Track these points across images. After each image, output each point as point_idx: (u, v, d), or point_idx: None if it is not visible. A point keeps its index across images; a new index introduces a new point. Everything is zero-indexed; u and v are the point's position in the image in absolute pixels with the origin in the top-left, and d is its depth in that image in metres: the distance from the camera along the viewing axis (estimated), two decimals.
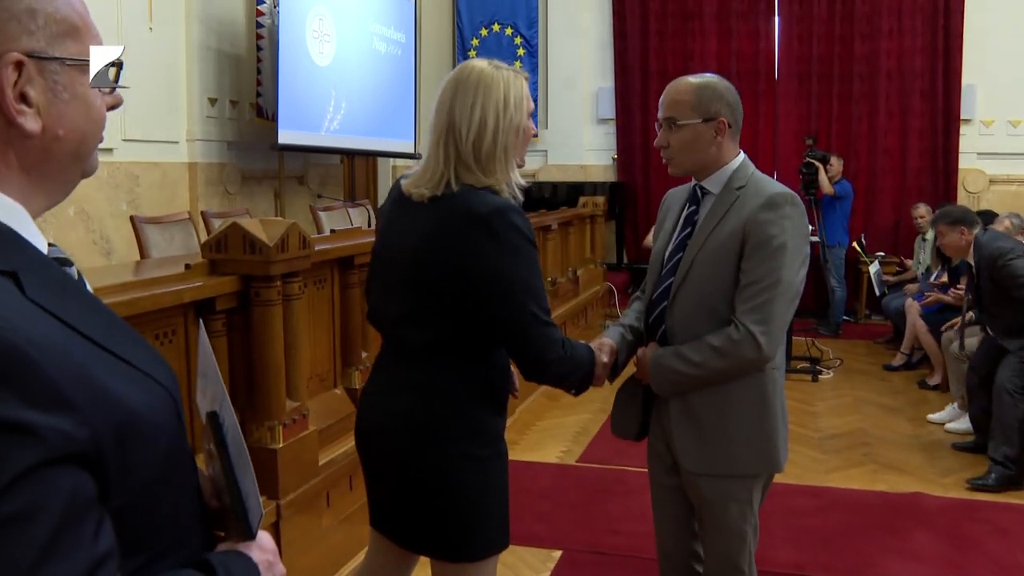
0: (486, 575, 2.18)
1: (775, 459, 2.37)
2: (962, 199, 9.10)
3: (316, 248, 3.48)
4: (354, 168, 8.79)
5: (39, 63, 0.92)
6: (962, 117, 9.12)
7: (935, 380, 6.61)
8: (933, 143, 9.25)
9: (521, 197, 2.13)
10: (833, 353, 7.61)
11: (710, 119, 2.30)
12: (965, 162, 9.21)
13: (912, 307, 7.06)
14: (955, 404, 5.70)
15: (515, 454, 5.00)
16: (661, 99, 2.38)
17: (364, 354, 4.01)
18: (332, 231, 4.41)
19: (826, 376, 7.02)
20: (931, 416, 5.81)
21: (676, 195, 2.56)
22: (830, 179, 8.42)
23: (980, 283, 4.97)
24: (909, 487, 4.61)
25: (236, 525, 1.16)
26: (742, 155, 2.39)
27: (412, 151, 9.32)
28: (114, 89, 1.03)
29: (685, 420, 2.36)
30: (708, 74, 2.41)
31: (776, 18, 9.60)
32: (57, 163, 0.97)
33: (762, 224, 2.21)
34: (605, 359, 2.32)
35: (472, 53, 10.23)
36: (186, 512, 1.07)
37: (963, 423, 5.46)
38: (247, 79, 7.28)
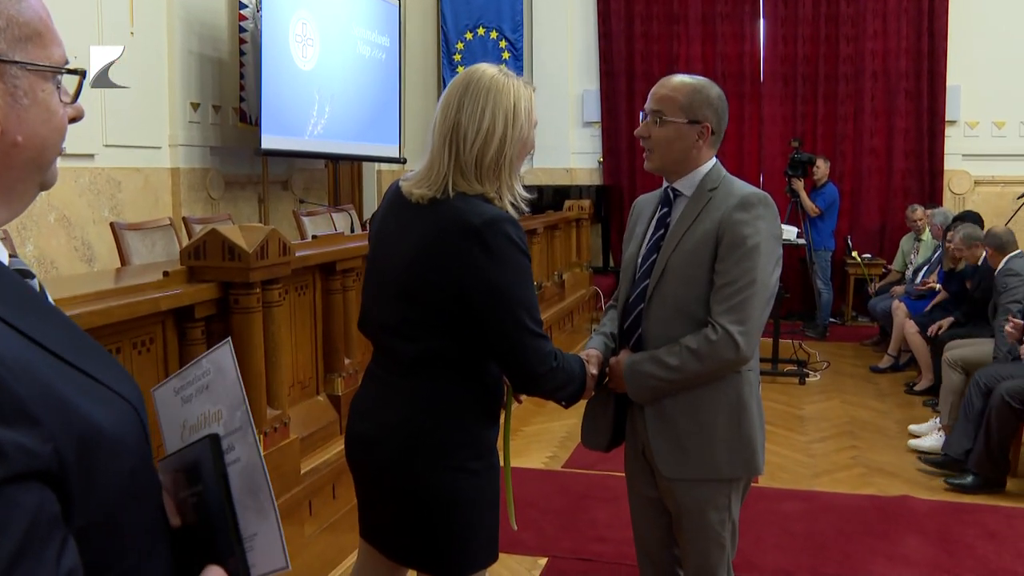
0: None
1: (754, 462, 2.34)
2: (947, 200, 9.13)
3: (297, 254, 3.44)
4: (338, 173, 8.74)
5: (0, 67, 0.89)
6: (947, 118, 9.16)
7: (923, 384, 6.56)
8: (919, 144, 9.28)
9: (526, 208, 2.11)
10: (820, 355, 7.61)
11: (695, 122, 2.29)
12: (950, 163, 9.25)
13: (899, 308, 7.06)
14: (938, 423, 5.38)
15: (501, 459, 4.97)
16: (653, 90, 2.35)
17: (347, 360, 3.97)
18: (314, 237, 4.36)
19: (813, 379, 7.00)
20: (912, 441, 5.35)
21: (646, 201, 2.54)
22: (816, 181, 8.44)
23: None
24: (898, 490, 4.60)
25: (229, 565, 1.12)
26: (714, 159, 2.38)
27: (397, 155, 9.27)
28: (76, 99, 0.99)
29: (660, 426, 2.33)
30: (704, 78, 2.38)
31: (761, 20, 9.62)
32: (15, 171, 0.94)
33: (736, 224, 2.21)
34: (594, 371, 2.28)
35: (457, 57, 10.22)
36: (152, 531, 1.03)
37: (933, 439, 5.23)
38: (230, 84, 7.22)
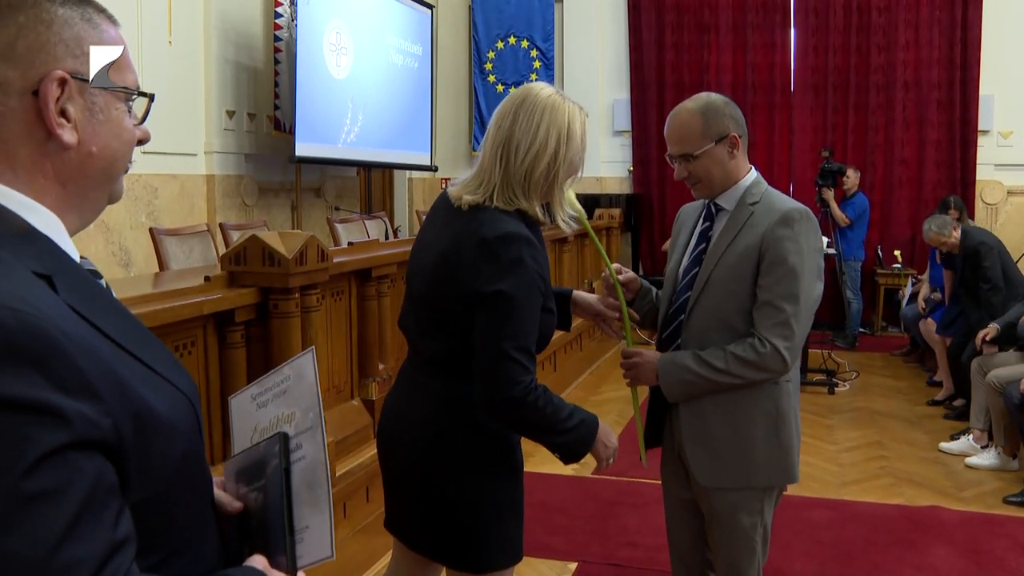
0: None
1: (791, 471, 2.39)
2: (979, 211, 9.07)
3: (334, 260, 3.50)
4: (371, 180, 8.83)
5: (80, 84, 1.01)
6: (980, 128, 9.10)
7: (938, 376, 6.52)
8: (950, 154, 9.22)
9: (572, 226, 2.16)
10: (849, 365, 7.58)
11: (723, 138, 2.33)
12: (983, 173, 9.17)
13: (930, 326, 6.98)
14: (971, 436, 5.35)
15: (531, 466, 5.01)
16: (667, 134, 2.39)
17: (381, 366, 4.03)
18: (350, 243, 4.43)
19: (843, 388, 6.99)
20: (971, 459, 5.23)
21: (689, 210, 2.60)
22: (846, 191, 8.42)
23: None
24: (927, 500, 4.59)
25: (277, 554, 1.17)
26: (754, 171, 2.43)
27: (428, 163, 9.35)
28: (144, 119, 1.10)
29: (697, 433, 2.38)
30: (702, 94, 2.41)
31: (792, 30, 9.60)
32: (89, 180, 1.04)
33: (778, 241, 2.26)
34: (614, 443, 2.22)
35: (488, 66, 10.28)
36: (199, 517, 1.10)
37: (988, 458, 5.15)
38: (265, 92, 7.33)
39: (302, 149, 7.04)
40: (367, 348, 3.98)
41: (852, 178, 8.46)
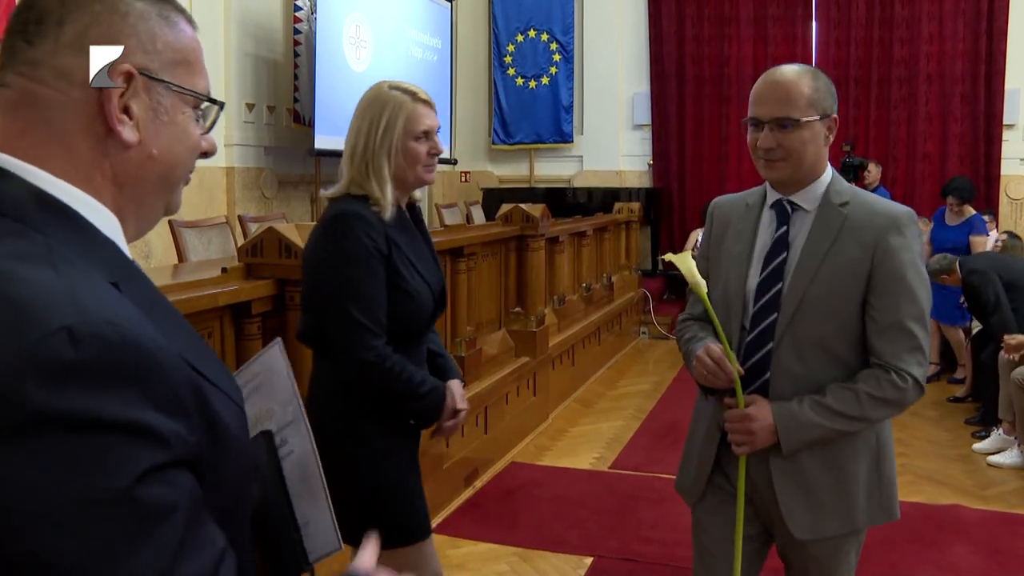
0: (400, 563, 2.23)
1: (894, 508, 2.11)
2: (1004, 206, 8.98)
3: None
4: None
5: (148, 81, 0.95)
6: (1005, 122, 9.00)
7: (964, 388, 6.50)
8: (974, 149, 9.13)
9: (392, 211, 2.27)
10: None
11: (826, 116, 2.01)
12: (1007, 168, 9.08)
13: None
14: (1001, 430, 5.28)
15: (548, 460, 5.01)
16: (762, 92, 2.01)
17: None
18: None
19: None
20: (993, 458, 5.19)
21: (730, 206, 2.21)
22: (867, 186, 8.35)
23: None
24: (947, 499, 4.55)
25: (289, 554, 1.16)
26: (831, 169, 2.10)
27: (448, 156, 9.34)
28: (211, 128, 1.05)
29: (797, 486, 2.03)
30: (803, 65, 2.10)
31: (813, 23, 9.54)
32: (147, 184, 0.98)
33: (895, 252, 1.95)
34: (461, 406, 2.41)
35: (508, 59, 10.27)
36: (247, 531, 1.06)
37: (1011, 456, 5.09)
38: (284, 84, 7.34)
39: (321, 142, 7.05)
40: None
41: (873, 172, 8.39)
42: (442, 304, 2.44)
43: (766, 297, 2.03)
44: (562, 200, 9.43)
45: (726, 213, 2.20)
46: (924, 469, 5.02)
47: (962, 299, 6.37)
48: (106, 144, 0.93)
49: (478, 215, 8.38)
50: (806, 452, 2.00)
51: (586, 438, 5.48)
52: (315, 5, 7.02)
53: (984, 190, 9.05)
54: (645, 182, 10.17)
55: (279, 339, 1.32)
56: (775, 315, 2.01)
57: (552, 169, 10.49)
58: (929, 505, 4.45)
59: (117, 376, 0.77)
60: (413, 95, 2.30)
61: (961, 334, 6.81)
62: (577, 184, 10.19)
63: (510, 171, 10.62)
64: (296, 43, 7.29)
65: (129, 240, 1.00)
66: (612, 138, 10.22)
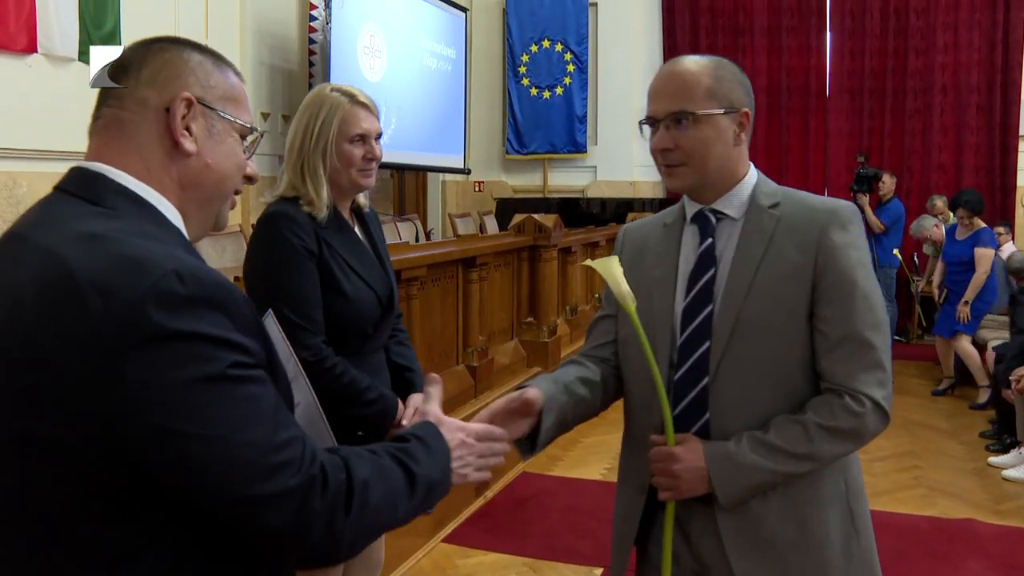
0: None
1: (875, 567, 1.78)
2: (1020, 217, 8.94)
3: None
4: (404, 183, 8.86)
5: (204, 108, 1.24)
6: (1021, 133, 8.97)
7: (983, 397, 6.46)
8: (990, 160, 9.10)
9: (327, 213, 2.27)
10: None
11: (732, 110, 1.68)
12: None
13: (961, 341, 6.86)
14: (1021, 450, 5.22)
15: (559, 470, 5.01)
16: (656, 87, 1.72)
17: None
18: None
19: None
20: (993, 460, 5.30)
21: (646, 230, 1.88)
22: (881, 197, 8.33)
23: None
24: (961, 513, 4.52)
25: None
26: (755, 169, 1.78)
27: (462, 166, 9.37)
28: (251, 153, 1.33)
29: (749, 543, 1.66)
30: (711, 56, 1.77)
31: (828, 33, 9.53)
32: (204, 189, 1.26)
33: (841, 250, 1.64)
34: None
35: (522, 69, 10.28)
36: None
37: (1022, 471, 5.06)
38: (299, 94, 7.37)
39: None
40: None
41: (888, 183, 8.35)
42: (389, 310, 2.38)
43: (695, 323, 1.70)
44: (576, 210, 9.44)
45: (639, 239, 1.86)
46: (938, 482, 4.99)
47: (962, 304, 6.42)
48: (173, 154, 1.22)
49: (491, 225, 8.39)
50: (758, 502, 1.65)
51: (597, 449, 5.47)
52: (330, 15, 7.06)
53: (1000, 201, 9.02)
54: (659, 192, 10.17)
55: (270, 310, 1.59)
56: (707, 343, 1.68)
57: (566, 179, 10.50)
58: (942, 519, 4.42)
59: (210, 305, 1.07)
60: (351, 97, 2.30)
61: (970, 344, 6.73)
62: (591, 194, 10.20)
63: (524, 181, 10.63)
64: (311, 53, 7.34)
65: (194, 240, 1.26)
66: (626, 148, 10.21)
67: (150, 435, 1.03)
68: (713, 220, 1.73)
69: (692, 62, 1.70)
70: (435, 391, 1.49)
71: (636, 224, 1.92)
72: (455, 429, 1.40)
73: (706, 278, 1.70)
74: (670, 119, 1.66)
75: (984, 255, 6.76)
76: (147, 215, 1.18)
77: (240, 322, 1.10)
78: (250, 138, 1.31)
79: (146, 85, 1.22)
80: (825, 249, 1.63)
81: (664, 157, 1.69)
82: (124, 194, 1.18)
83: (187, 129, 1.22)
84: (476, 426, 1.46)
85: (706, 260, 1.71)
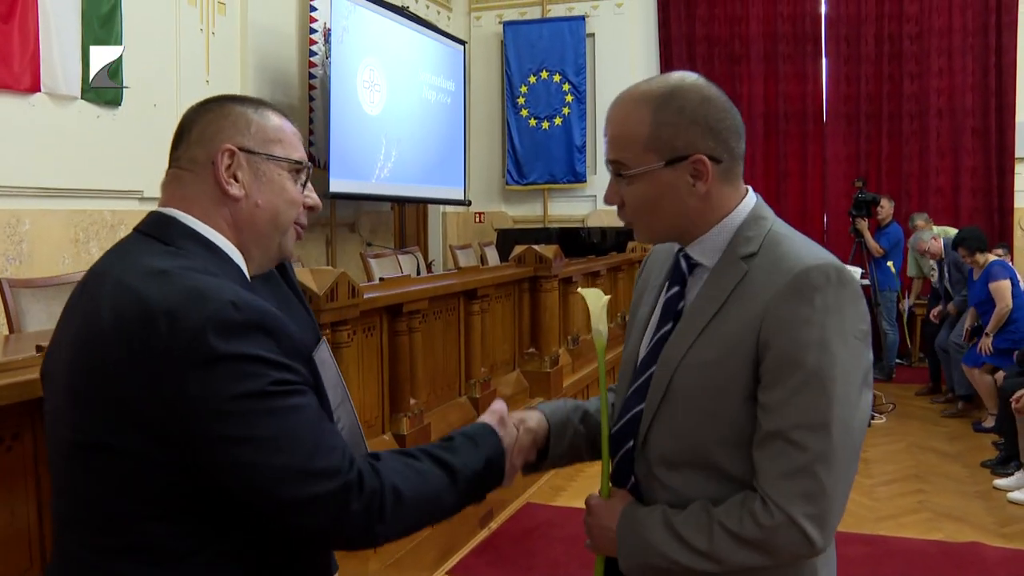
0: None
1: None
2: (1018, 239, 8.96)
3: (365, 296, 3.54)
4: (404, 215, 8.91)
5: (248, 155, 1.38)
6: (1017, 155, 8.99)
7: (990, 422, 6.41)
8: (987, 182, 9.14)
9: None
10: (886, 397, 7.47)
11: (677, 159, 1.40)
12: (1021, 201, 9.07)
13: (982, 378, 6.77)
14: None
15: (562, 500, 5.00)
16: (606, 120, 1.49)
17: (412, 401, 4.05)
18: (381, 279, 4.47)
19: (879, 421, 6.90)
20: (999, 482, 5.29)
21: (660, 257, 1.65)
22: (880, 221, 8.37)
23: None
24: (967, 536, 4.51)
25: None
26: (752, 200, 1.48)
27: (462, 198, 9.42)
28: (304, 185, 1.45)
29: None
30: (675, 74, 1.51)
31: (823, 59, 9.60)
32: (257, 227, 1.40)
33: (789, 326, 1.33)
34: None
35: (521, 100, 10.35)
36: None
37: None
38: (299, 128, 7.37)
39: (336, 185, 7.13)
40: (398, 383, 4.01)
41: (886, 208, 8.40)
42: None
43: (639, 381, 1.50)
44: (576, 240, 9.45)
45: (655, 264, 1.65)
46: (943, 506, 4.99)
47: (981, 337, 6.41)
48: (224, 200, 1.37)
49: (492, 256, 8.42)
50: None
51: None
52: (330, 50, 7.14)
53: (998, 223, 9.04)
54: None
55: (323, 337, 1.62)
56: (640, 406, 1.48)
57: (566, 209, 10.54)
58: (948, 543, 4.42)
59: (260, 330, 1.22)
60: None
61: (986, 375, 6.55)
62: (591, 223, 10.23)
63: (524, 211, 10.68)
64: (311, 87, 7.42)
65: (252, 272, 1.41)
66: None
67: (205, 441, 1.19)
68: (685, 267, 1.50)
69: (637, 98, 1.44)
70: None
71: (662, 247, 1.64)
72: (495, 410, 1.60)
73: (662, 332, 1.49)
74: (611, 167, 1.46)
75: (1000, 288, 6.43)
76: (210, 254, 1.33)
77: (286, 346, 1.25)
78: (302, 173, 1.44)
79: (195, 145, 1.38)
80: (770, 322, 1.34)
81: (618, 212, 1.49)
82: (191, 236, 1.34)
83: (234, 176, 1.37)
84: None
85: (667, 313, 1.50)
